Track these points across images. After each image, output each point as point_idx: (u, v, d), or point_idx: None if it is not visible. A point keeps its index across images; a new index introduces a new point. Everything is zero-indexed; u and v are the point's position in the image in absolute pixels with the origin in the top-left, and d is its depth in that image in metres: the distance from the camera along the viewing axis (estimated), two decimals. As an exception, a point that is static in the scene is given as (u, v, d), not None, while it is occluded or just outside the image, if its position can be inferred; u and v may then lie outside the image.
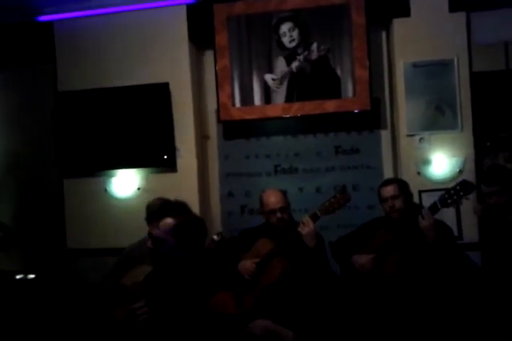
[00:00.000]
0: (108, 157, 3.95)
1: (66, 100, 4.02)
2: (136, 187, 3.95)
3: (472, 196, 2.89)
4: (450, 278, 2.83)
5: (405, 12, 3.62)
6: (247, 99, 3.82)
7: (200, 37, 3.94)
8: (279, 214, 3.02)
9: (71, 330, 3.24)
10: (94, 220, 3.99)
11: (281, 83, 3.77)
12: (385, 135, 3.86)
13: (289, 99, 3.75)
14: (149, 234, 2.34)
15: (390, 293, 2.82)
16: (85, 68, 4.01)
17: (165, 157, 3.87)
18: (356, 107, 3.67)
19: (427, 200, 3.20)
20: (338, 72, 3.68)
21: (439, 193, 2.99)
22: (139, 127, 3.90)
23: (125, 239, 3.27)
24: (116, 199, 3.98)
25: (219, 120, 3.92)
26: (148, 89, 3.89)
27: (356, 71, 3.63)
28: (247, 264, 2.96)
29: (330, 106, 3.70)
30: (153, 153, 3.89)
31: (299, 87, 3.74)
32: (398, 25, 3.65)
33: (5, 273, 4.00)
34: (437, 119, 3.57)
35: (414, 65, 3.60)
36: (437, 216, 2.84)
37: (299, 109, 3.74)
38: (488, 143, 3.63)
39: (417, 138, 3.61)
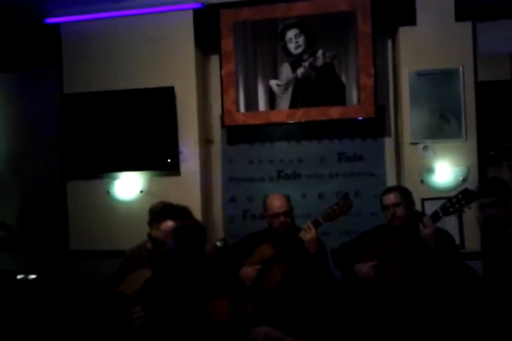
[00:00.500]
0: (112, 159, 3.97)
1: (71, 102, 4.04)
2: (139, 190, 3.96)
3: (474, 205, 2.89)
4: (450, 286, 2.82)
5: (411, 20, 3.63)
6: (251, 104, 3.83)
7: (206, 42, 3.96)
8: (282, 218, 3.03)
9: (71, 331, 3.24)
10: (97, 222, 4.00)
11: (286, 89, 3.78)
12: (388, 142, 3.86)
13: (294, 105, 3.76)
14: (149, 235, 2.34)
15: (391, 300, 2.81)
16: (91, 71, 4.03)
17: (168, 160, 3.88)
18: (361, 114, 3.68)
19: (430, 208, 3.20)
20: (343, 79, 3.69)
21: (442, 202, 2.99)
22: (143, 130, 3.91)
23: (127, 242, 3.29)
24: (119, 201, 3.99)
25: (223, 125, 3.93)
26: (154, 93, 3.90)
27: (361, 78, 3.64)
28: (249, 271, 2.97)
29: (334, 112, 3.70)
30: (157, 156, 3.90)
31: (303, 93, 3.75)
32: (404, 33, 3.66)
33: (6, 273, 4.01)
34: (442, 128, 3.57)
35: (419, 74, 3.60)
36: (439, 224, 2.84)
37: (304, 115, 3.75)
38: (493, 152, 3.63)
39: (420, 146, 3.61)
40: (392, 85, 3.86)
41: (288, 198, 3.16)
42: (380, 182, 3.79)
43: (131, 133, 3.93)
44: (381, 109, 3.78)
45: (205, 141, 4.07)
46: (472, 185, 3.34)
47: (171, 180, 3.92)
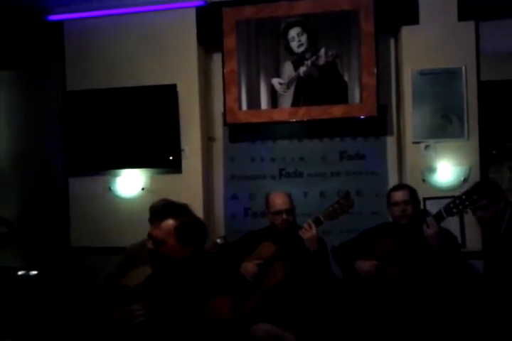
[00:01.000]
0: (114, 156, 3.97)
1: (74, 99, 4.04)
2: (141, 188, 3.96)
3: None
4: (452, 286, 2.83)
5: (414, 20, 3.63)
6: (253, 102, 3.83)
7: (209, 40, 3.96)
8: (284, 216, 3.04)
9: (72, 327, 3.25)
10: (98, 219, 4.01)
11: (288, 87, 3.78)
12: (390, 141, 3.86)
13: (296, 103, 3.76)
14: (149, 234, 2.34)
15: (392, 299, 2.82)
16: (93, 68, 4.03)
17: (170, 158, 3.88)
18: (363, 113, 3.68)
19: (431, 208, 3.22)
20: (346, 78, 3.69)
21: (444, 201, 2.99)
22: (145, 127, 3.92)
23: (128, 239, 3.29)
24: (120, 198, 3.99)
25: (225, 123, 3.93)
26: (156, 90, 3.91)
27: (364, 77, 3.64)
28: (249, 266, 2.98)
29: (336, 111, 3.70)
30: (159, 153, 3.91)
31: (306, 92, 3.75)
32: (407, 32, 3.66)
33: (7, 269, 4.02)
34: (444, 127, 3.57)
35: (422, 73, 3.61)
36: (441, 223, 2.84)
37: (306, 113, 3.75)
38: (494, 152, 3.63)
39: (422, 145, 3.62)
40: (394, 84, 3.86)
41: (290, 196, 3.17)
42: (381, 181, 3.80)
43: (133, 131, 3.93)
44: (383, 108, 3.79)
45: (207, 139, 4.07)
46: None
47: (172, 178, 3.92)
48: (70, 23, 4.08)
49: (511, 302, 2.73)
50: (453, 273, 2.83)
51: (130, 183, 3.97)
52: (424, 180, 3.59)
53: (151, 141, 3.91)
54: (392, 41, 3.86)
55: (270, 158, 4.00)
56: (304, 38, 3.75)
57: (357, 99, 3.68)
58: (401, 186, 3.16)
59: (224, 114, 3.91)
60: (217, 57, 4.02)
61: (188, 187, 3.88)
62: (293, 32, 3.77)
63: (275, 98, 3.80)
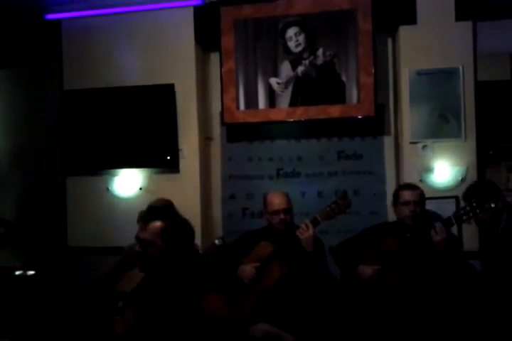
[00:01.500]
0: (111, 156, 3.97)
1: (71, 99, 4.04)
2: (138, 187, 3.96)
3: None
4: (455, 291, 2.82)
5: (412, 19, 3.63)
6: (251, 102, 3.83)
7: (207, 39, 3.96)
8: (282, 216, 3.04)
9: (69, 327, 3.25)
10: (96, 219, 4.01)
11: (286, 87, 3.78)
12: (388, 141, 3.87)
13: (294, 103, 3.76)
14: (137, 237, 2.34)
15: (393, 302, 2.81)
16: (91, 67, 4.03)
17: (168, 158, 3.88)
18: (360, 113, 3.68)
19: (428, 208, 3.20)
20: (343, 77, 3.69)
21: (441, 201, 3.01)
22: (142, 127, 3.92)
23: (125, 239, 3.27)
24: (118, 198, 3.99)
25: (223, 122, 3.93)
26: (154, 90, 3.90)
27: (361, 77, 3.64)
28: (247, 269, 2.97)
29: (334, 111, 3.70)
30: (157, 153, 3.90)
31: (303, 92, 3.75)
32: (404, 32, 3.66)
33: (5, 269, 4.02)
34: (441, 127, 3.58)
35: (419, 73, 3.61)
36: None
37: (303, 113, 3.75)
38: (491, 152, 3.64)
39: (420, 145, 3.62)
40: (392, 84, 3.87)
41: (288, 196, 3.17)
42: (379, 181, 3.81)
43: (131, 130, 3.93)
44: (381, 108, 3.79)
45: (205, 139, 4.07)
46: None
47: (170, 178, 3.92)
48: (67, 22, 4.08)
49: (509, 302, 2.74)
50: (456, 279, 2.82)
51: (128, 183, 3.97)
52: (421, 180, 3.59)
53: (149, 140, 3.90)
54: (389, 41, 3.87)
55: (268, 157, 4.00)
56: (301, 38, 3.75)
57: (354, 99, 3.68)
58: (412, 186, 3.09)
59: (221, 114, 3.91)
60: (214, 57, 4.01)
61: (185, 186, 3.88)
62: (291, 32, 3.77)
63: (273, 98, 3.80)
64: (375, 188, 3.79)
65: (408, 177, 3.61)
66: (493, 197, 2.95)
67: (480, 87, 3.57)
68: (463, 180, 3.53)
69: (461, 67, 3.56)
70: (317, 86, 3.73)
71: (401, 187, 3.13)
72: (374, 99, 3.64)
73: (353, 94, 3.68)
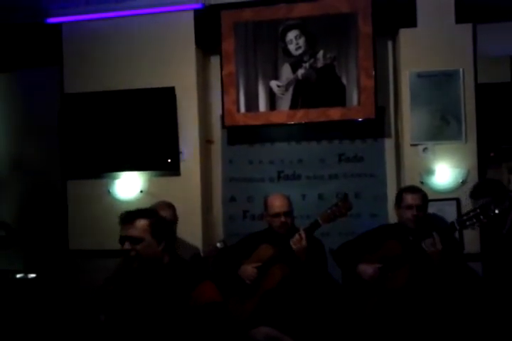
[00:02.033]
0: (112, 159, 3.97)
1: (72, 102, 4.04)
2: (139, 190, 3.96)
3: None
4: (456, 295, 2.81)
5: (412, 22, 3.63)
6: (252, 105, 3.84)
7: (207, 42, 3.96)
8: (283, 218, 3.04)
9: (70, 330, 3.25)
10: (97, 222, 4.00)
11: (286, 90, 3.78)
12: (389, 144, 3.87)
13: (294, 106, 3.77)
14: (125, 236, 2.35)
15: (394, 304, 2.80)
16: (92, 71, 4.03)
17: (168, 160, 3.88)
18: (361, 115, 3.68)
19: (429, 210, 3.19)
20: (344, 80, 3.69)
21: (442, 203, 3.00)
22: (143, 130, 3.92)
23: (126, 242, 3.28)
24: (119, 201, 3.99)
25: (223, 125, 3.94)
26: (154, 93, 3.91)
27: (361, 80, 3.64)
28: (248, 269, 2.98)
29: (334, 113, 3.71)
30: (157, 156, 3.90)
31: (304, 94, 3.75)
32: (404, 35, 3.67)
33: (6, 272, 4.01)
34: (442, 129, 3.58)
35: (420, 75, 3.61)
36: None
37: (304, 116, 3.75)
38: (492, 154, 3.64)
39: (420, 147, 3.62)
40: (392, 87, 3.87)
41: (289, 199, 3.17)
42: (380, 184, 3.81)
43: (132, 133, 3.93)
44: (381, 111, 3.79)
45: (206, 142, 4.07)
46: (471, 186, 3.35)
47: (171, 180, 3.92)
48: (68, 25, 4.08)
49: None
50: (457, 283, 2.81)
51: (128, 186, 3.97)
52: (422, 183, 3.59)
53: (150, 143, 3.90)
54: (390, 44, 3.87)
55: (268, 160, 4.00)
56: (301, 41, 3.76)
57: (355, 102, 3.68)
58: (415, 189, 3.08)
59: (222, 117, 3.91)
60: (215, 60, 4.02)
61: (186, 189, 3.88)
62: (291, 34, 3.77)
63: (273, 100, 3.80)
64: (376, 191, 3.79)
65: (409, 180, 3.61)
66: (501, 195, 2.92)
67: (480, 89, 3.57)
68: (464, 182, 3.53)
69: (461, 70, 3.56)
70: (317, 89, 3.73)
71: (404, 189, 3.12)
72: (374, 102, 3.64)
73: (353, 97, 3.68)
